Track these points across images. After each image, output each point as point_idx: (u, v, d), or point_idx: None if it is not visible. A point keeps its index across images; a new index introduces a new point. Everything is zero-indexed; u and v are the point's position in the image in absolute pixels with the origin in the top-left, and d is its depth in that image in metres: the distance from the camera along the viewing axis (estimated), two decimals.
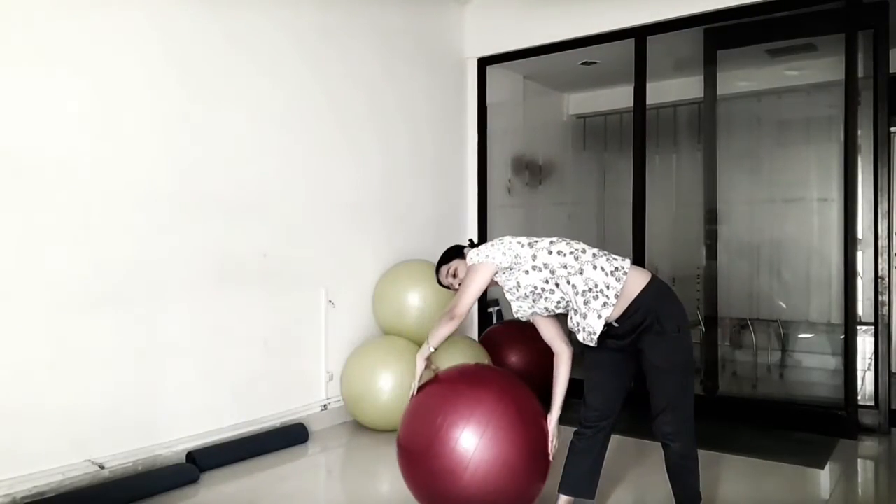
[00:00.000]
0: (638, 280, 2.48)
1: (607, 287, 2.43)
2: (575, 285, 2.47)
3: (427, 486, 2.53)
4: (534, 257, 2.53)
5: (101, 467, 3.08)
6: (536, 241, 2.59)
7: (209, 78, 3.57)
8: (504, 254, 2.56)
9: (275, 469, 3.50)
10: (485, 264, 2.58)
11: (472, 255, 2.64)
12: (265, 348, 3.86)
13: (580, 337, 2.52)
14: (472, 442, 2.39)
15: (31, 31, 2.89)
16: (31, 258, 2.89)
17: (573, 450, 2.67)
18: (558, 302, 2.53)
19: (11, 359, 2.82)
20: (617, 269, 2.47)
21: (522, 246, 2.57)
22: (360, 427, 4.15)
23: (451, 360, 4.30)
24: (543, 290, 2.53)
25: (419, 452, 2.51)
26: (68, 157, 3.01)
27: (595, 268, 2.47)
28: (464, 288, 2.60)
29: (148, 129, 3.31)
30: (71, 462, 2.99)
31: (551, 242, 2.57)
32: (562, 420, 2.67)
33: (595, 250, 2.56)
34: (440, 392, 2.60)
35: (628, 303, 2.45)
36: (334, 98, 4.28)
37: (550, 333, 2.67)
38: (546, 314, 2.62)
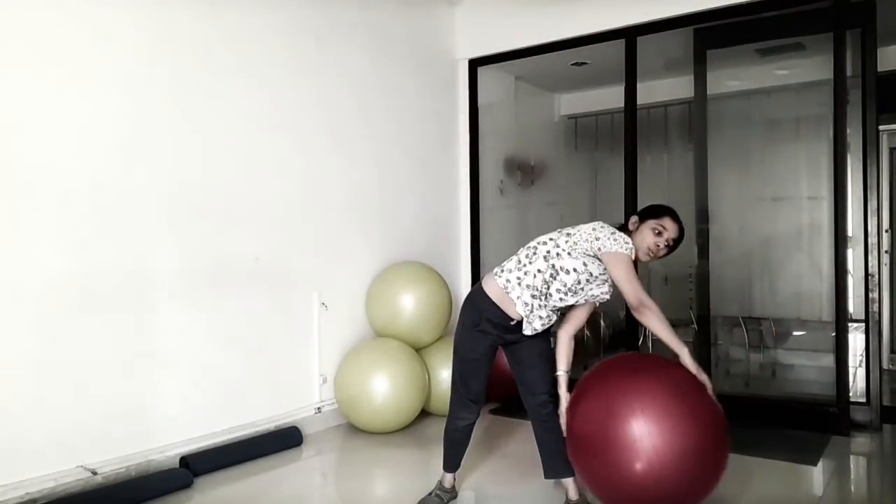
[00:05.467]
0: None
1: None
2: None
3: (602, 477, 2.54)
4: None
5: (94, 473, 3.06)
6: None
7: (199, 81, 3.56)
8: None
9: (269, 473, 3.49)
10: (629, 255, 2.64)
11: (614, 242, 2.61)
12: (258, 351, 3.85)
13: (542, 324, 2.72)
14: (644, 432, 2.39)
15: (26, 33, 2.88)
16: (21, 262, 2.87)
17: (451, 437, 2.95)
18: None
19: (2, 364, 2.80)
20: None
21: None
22: (354, 430, 4.15)
23: (448, 360, 4.31)
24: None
25: (594, 444, 2.53)
26: (59, 161, 3.00)
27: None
28: (630, 276, 2.59)
29: (139, 132, 3.29)
30: (63, 468, 2.97)
31: None
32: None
33: None
34: (612, 383, 2.60)
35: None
36: (325, 100, 4.28)
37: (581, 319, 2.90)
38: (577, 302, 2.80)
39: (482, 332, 2.75)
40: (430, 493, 2.98)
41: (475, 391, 2.84)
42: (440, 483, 3.00)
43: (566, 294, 2.69)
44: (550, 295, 2.68)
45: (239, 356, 3.74)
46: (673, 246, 2.73)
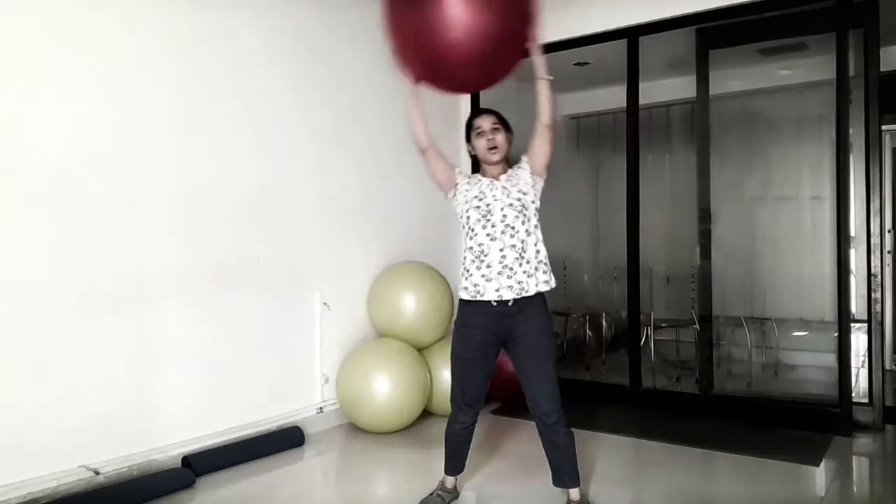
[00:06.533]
0: None
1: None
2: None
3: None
4: None
5: (96, 473, 3.06)
6: None
7: (201, 81, 3.57)
8: None
9: (271, 473, 3.49)
10: None
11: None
12: (260, 351, 3.85)
13: (506, 278, 2.72)
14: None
15: (26, 34, 2.88)
16: (22, 263, 2.87)
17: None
18: None
19: (4, 363, 2.81)
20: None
21: None
22: (355, 429, 4.15)
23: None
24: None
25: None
26: (61, 160, 3.00)
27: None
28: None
29: (140, 132, 3.30)
30: (65, 468, 2.97)
31: None
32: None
33: None
34: None
35: None
36: (326, 101, 4.28)
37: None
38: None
39: (469, 327, 2.76)
40: (431, 493, 2.98)
41: (470, 395, 2.83)
42: (441, 483, 3.00)
43: (485, 221, 2.74)
44: (482, 244, 2.72)
45: (241, 356, 3.75)
46: (503, 128, 2.93)
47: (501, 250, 2.70)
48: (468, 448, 2.97)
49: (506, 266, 2.69)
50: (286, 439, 3.82)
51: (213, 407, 3.59)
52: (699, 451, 3.73)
